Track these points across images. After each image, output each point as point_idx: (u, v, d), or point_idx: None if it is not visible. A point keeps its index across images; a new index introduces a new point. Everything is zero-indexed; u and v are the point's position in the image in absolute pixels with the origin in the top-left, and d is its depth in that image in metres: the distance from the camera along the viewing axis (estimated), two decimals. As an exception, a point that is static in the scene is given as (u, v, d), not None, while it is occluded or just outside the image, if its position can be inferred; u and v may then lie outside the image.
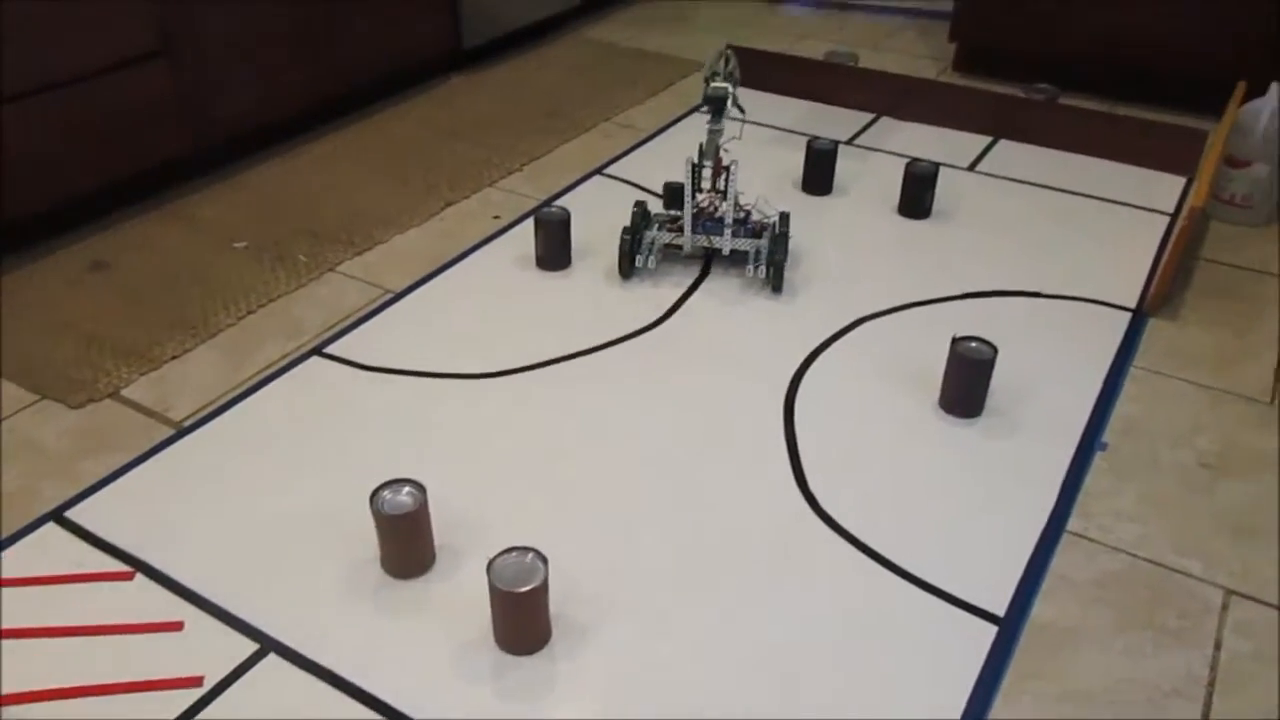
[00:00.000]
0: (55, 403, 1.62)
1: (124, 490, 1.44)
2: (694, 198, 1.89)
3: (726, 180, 1.88)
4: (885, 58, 3.06)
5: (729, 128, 1.89)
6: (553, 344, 1.75)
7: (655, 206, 2.01)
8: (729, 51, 1.92)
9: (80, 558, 1.33)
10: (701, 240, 1.92)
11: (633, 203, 1.97)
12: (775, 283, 1.89)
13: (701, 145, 1.88)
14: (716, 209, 1.91)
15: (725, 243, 1.92)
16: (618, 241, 1.91)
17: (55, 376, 1.67)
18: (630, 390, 1.64)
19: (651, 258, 1.94)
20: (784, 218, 1.96)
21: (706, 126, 1.88)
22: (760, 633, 1.23)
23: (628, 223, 1.94)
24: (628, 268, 1.93)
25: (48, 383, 1.65)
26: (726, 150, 1.89)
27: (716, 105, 1.86)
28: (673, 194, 1.94)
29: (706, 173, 1.91)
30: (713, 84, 1.87)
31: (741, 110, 1.90)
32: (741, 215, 1.93)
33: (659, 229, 1.96)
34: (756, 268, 1.90)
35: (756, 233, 1.94)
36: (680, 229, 1.93)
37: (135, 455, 1.50)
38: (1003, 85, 2.79)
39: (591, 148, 2.48)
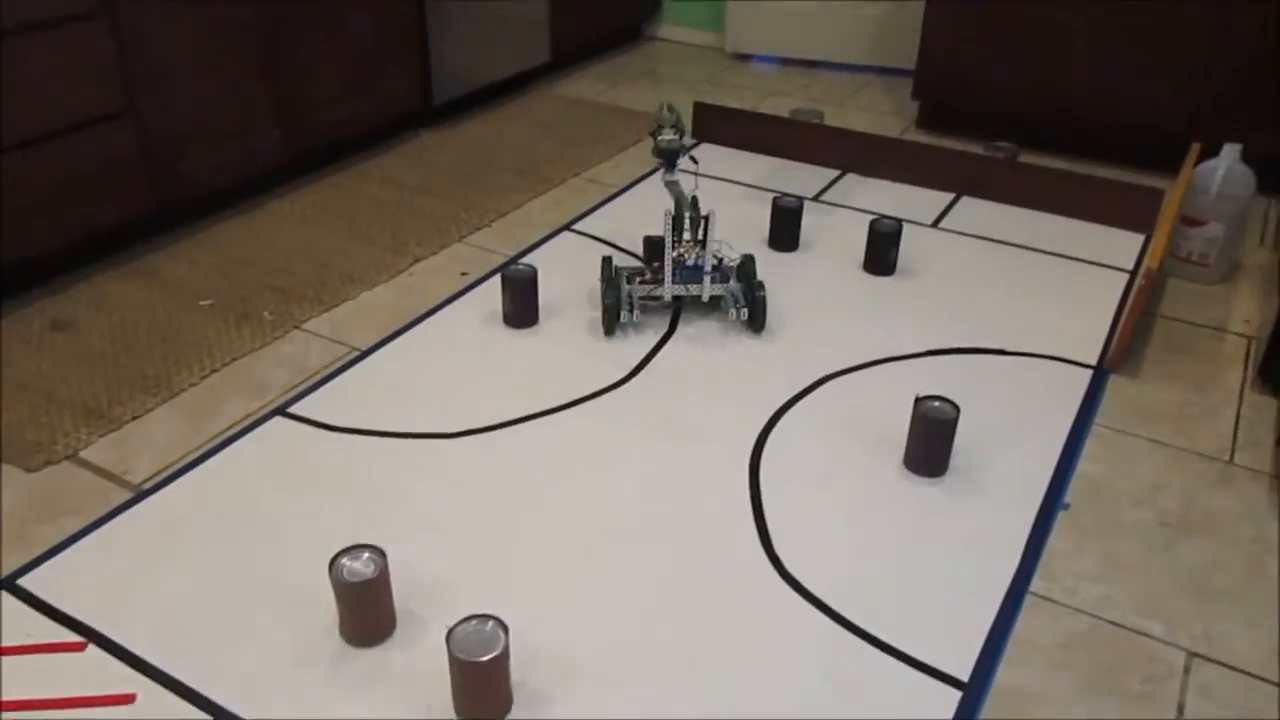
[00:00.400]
0: (11, 466, 1.59)
1: (79, 556, 1.41)
2: (674, 248, 1.92)
3: (705, 229, 1.91)
4: (850, 115, 3.10)
5: (686, 179, 1.94)
6: (518, 403, 1.74)
7: (619, 259, 2.02)
8: (670, 104, 1.97)
9: (32, 627, 1.30)
10: (679, 289, 1.95)
11: (600, 259, 1.98)
12: (760, 322, 1.93)
13: (678, 197, 1.91)
14: (694, 257, 1.94)
15: (705, 289, 1.95)
16: (586, 298, 1.92)
17: (12, 438, 1.64)
18: (596, 451, 1.63)
19: (635, 311, 1.96)
20: (748, 259, 2.00)
21: (663, 179, 1.93)
22: (725, 700, 1.22)
23: (599, 279, 1.96)
24: (613, 324, 1.94)
25: (4, 445, 1.63)
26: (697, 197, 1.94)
27: (669, 158, 1.91)
28: (653, 247, 1.97)
29: (687, 222, 1.94)
30: (662, 137, 1.91)
31: (694, 160, 1.96)
32: (716, 261, 1.96)
33: (633, 281, 1.98)
34: (739, 310, 1.93)
35: (727, 277, 1.99)
36: (654, 279, 1.96)
37: (91, 520, 1.48)
38: (964, 142, 2.84)
39: (560, 203, 2.50)
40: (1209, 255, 2.14)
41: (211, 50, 2.20)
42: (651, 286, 1.97)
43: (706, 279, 1.94)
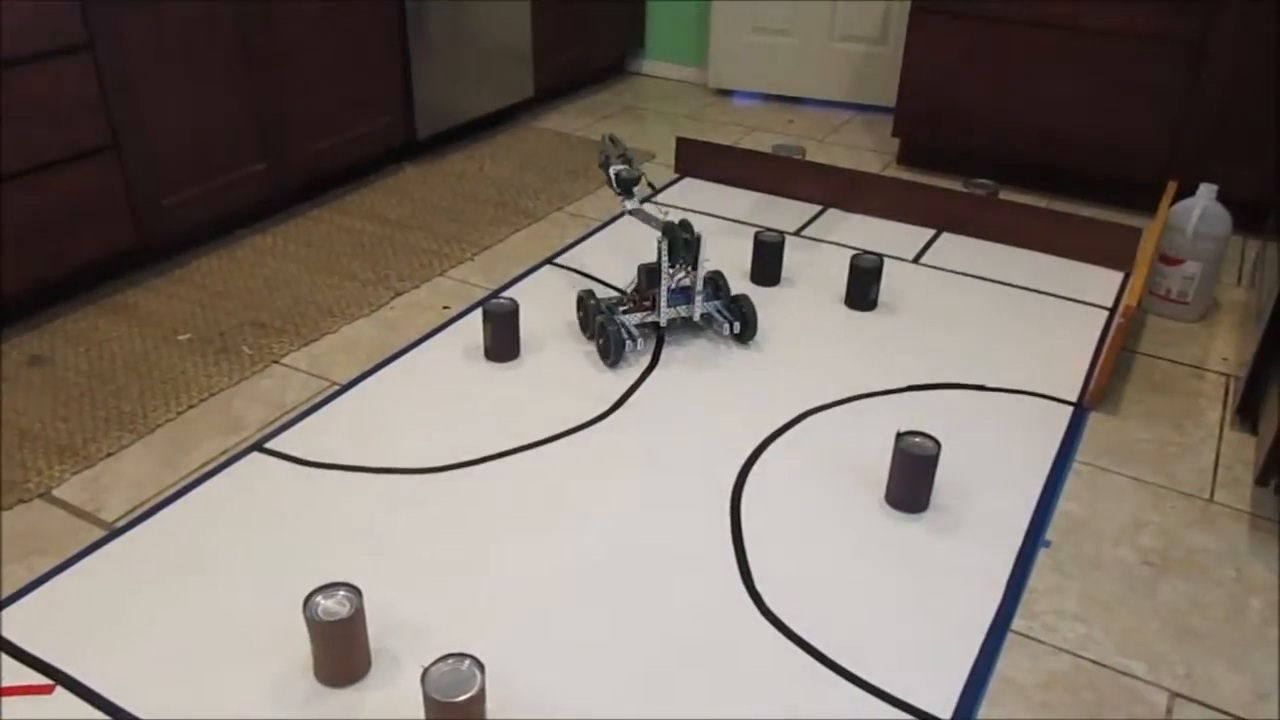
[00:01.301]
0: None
1: (49, 597, 1.39)
2: (669, 272, 1.97)
3: (697, 250, 1.96)
4: (832, 150, 3.13)
5: (651, 206, 2.02)
6: (499, 438, 1.73)
7: (599, 290, 2.03)
8: (612, 135, 2.07)
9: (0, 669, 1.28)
10: (672, 313, 2.01)
11: (580, 293, 2.00)
12: (751, 331, 2.01)
13: (655, 222, 1.95)
14: (688, 279, 2.00)
15: (696, 309, 2.01)
16: (567, 332, 1.92)
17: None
18: (576, 486, 1.62)
19: (639, 340, 1.98)
20: (718, 275, 2.08)
21: (626, 209, 2.02)
22: (704, 742, 1.21)
23: (576, 314, 2.00)
24: (619, 354, 1.94)
25: (-25, 481, 1.61)
26: (665, 213, 2.00)
27: (627, 186, 2.02)
28: (649, 274, 2.04)
29: (682, 245, 1.96)
30: (616, 169, 2.01)
31: (652, 186, 2.09)
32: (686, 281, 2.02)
33: (620, 311, 2.00)
34: (732, 325, 2.00)
35: (711, 296, 2.06)
36: (641, 306, 2.01)
37: (63, 559, 1.45)
38: (945, 179, 2.86)
39: (542, 237, 2.50)
40: (1187, 293, 2.16)
41: (194, 85, 2.20)
42: (645, 313, 2.00)
43: (698, 299, 2.00)
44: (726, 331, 2.00)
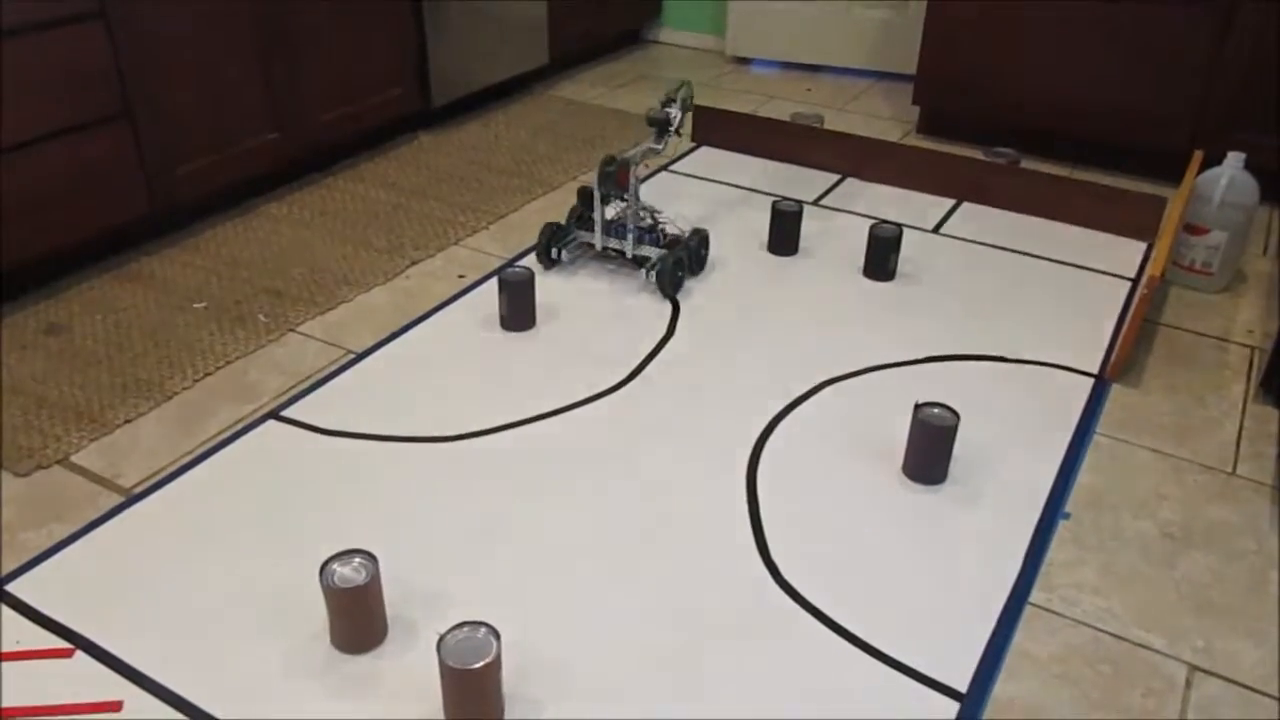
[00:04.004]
0: (1, 470, 1.58)
1: (68, 562, 1.40)
2: (604, 204, 2.10)
3: (634, 190, 2.06)
4: (851, 119, 3.09)
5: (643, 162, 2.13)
6: (515, 407, 1.73)
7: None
8: (688, 83, 2.17)
9: (20, 634, 1.29)
10: (611, 241, 2.14)
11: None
12: (664, 289, 2.06)
13: (605, 157, 2.05)
14: (614, 214, 2.15)
15: (629, 247, 2.12)
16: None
17: (3, 443, 1.62)
18: (592, 456, 1.62)
19: (564, 252, 2.15)
20: (697, 236, 2.13)
21: (648, 145, 2.12)
22: (720, 709, 1.20)
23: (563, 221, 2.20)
24: (543, 255, 2.15)
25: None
26: (646, 166, 2.12)
27: (659, 126, 2.11)
28: (584, 198, 2.18)
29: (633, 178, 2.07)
30: (660, 109, 2.11)
31: (678, 134, 2.15)
32: (647, 225, 2.13)
33: (572, 225, 2.19)
34: (649, 271, 2.07)
35: (665, 245, 2.11)
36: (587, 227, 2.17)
37: (81, 525, 1.46)
38: (965, 148, 2.83)
39: (558, 206, 2.48)
40: (1212, 264, 2.13)
41: (208, 53, 2.19)
42: (588, 235, 2.16)
43: (630, 237, 2.11)
44: (645, 278, 2.09)
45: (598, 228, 2.13)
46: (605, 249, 2.17)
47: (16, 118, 1.86)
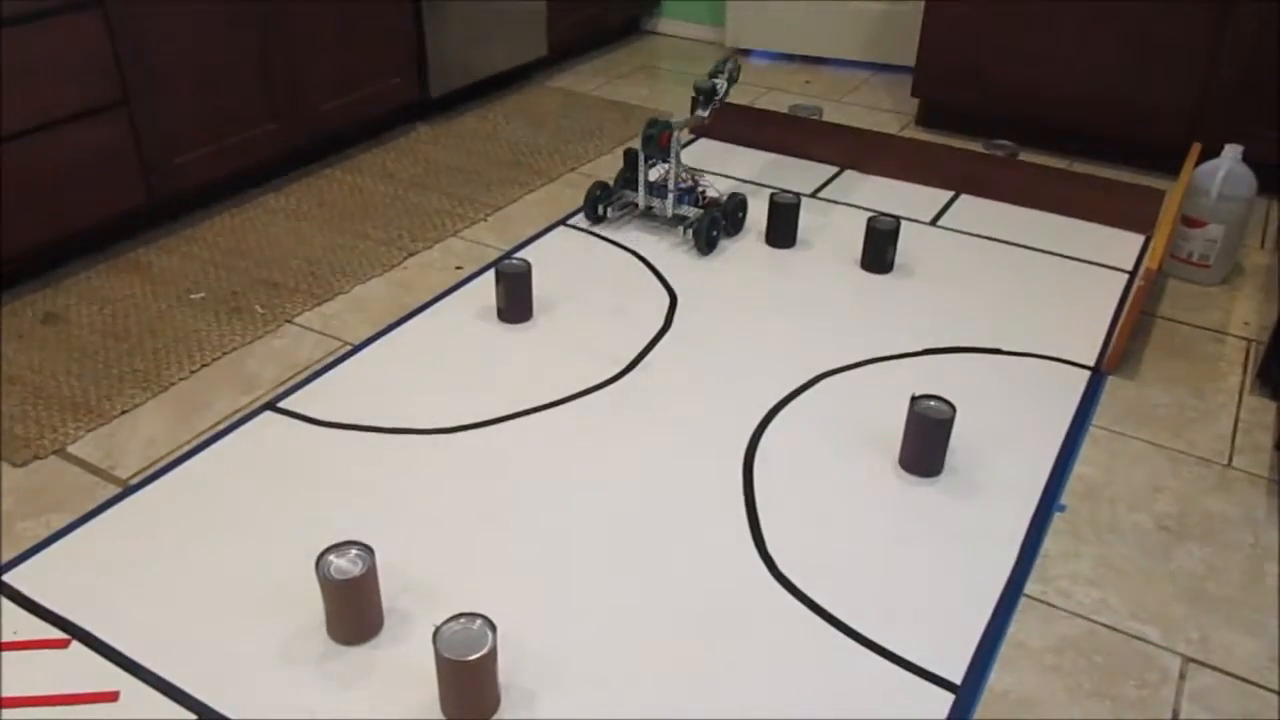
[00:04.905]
0: (-2, 459, 1.58)
1: (64, 553, 1.40)
2: (647, 164, 2.25)
3: (674, 152, 2.21)
4: (849, 111, 3.09)
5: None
6: (511, 399, 1.73)
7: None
8: (735, 56, 2.27)
9: (16, 624, 1.29)
10: (652, 200, 2.28)
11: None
12: (699, 246, 2.18)
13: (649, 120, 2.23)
14: (656, 176, 2.29)
15: (668, 206, 2.26)
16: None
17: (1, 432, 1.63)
18: (588, 448, 1.62)
19: (610, 209, 2.32)
20: (734, 199, 2.26)
21: (696, 114, 2.26)
22: (715, 700, 1.21)
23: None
24: (591, 211, 2.30)
25: (-9, 438, 1.62)
26: (690, 133, 2.28)
27: (705, 95, 2.24)
28: (629, 160, 2.30)
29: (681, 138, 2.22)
30: (707, 79, 2.24)
31: (721, 103, 2.28)
32: (687, 186, 2.26)
33: (618, 188, 2.34)
34: (685, 229, 2.22)
35: (704, 206, 2.24)
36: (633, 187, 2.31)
37: (78, 515, 1.46)
38: (964, 140, 2.82)
39: (556, 198, 2.48)
40: (1209, 257, 2.13)
41: (206, 42, 2.18)
42: (633, 194, 2.31)
43: (670, 196, 2.24)
44: (681, 234, 2.25)
45: (641, 187, 2.26)
46: (648, 208, 2.30)
47: (13, 107, 1.86)
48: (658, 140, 2.21)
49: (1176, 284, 2.17)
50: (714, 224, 2.19)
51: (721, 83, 2.24)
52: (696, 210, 2.23)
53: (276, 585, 1.35)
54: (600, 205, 2.30)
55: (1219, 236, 2.10)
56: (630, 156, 2.31)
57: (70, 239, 2.10)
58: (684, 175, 2.27)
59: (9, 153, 1.88)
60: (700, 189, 2.28)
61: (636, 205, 2.32)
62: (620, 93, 3.19)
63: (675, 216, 2.28)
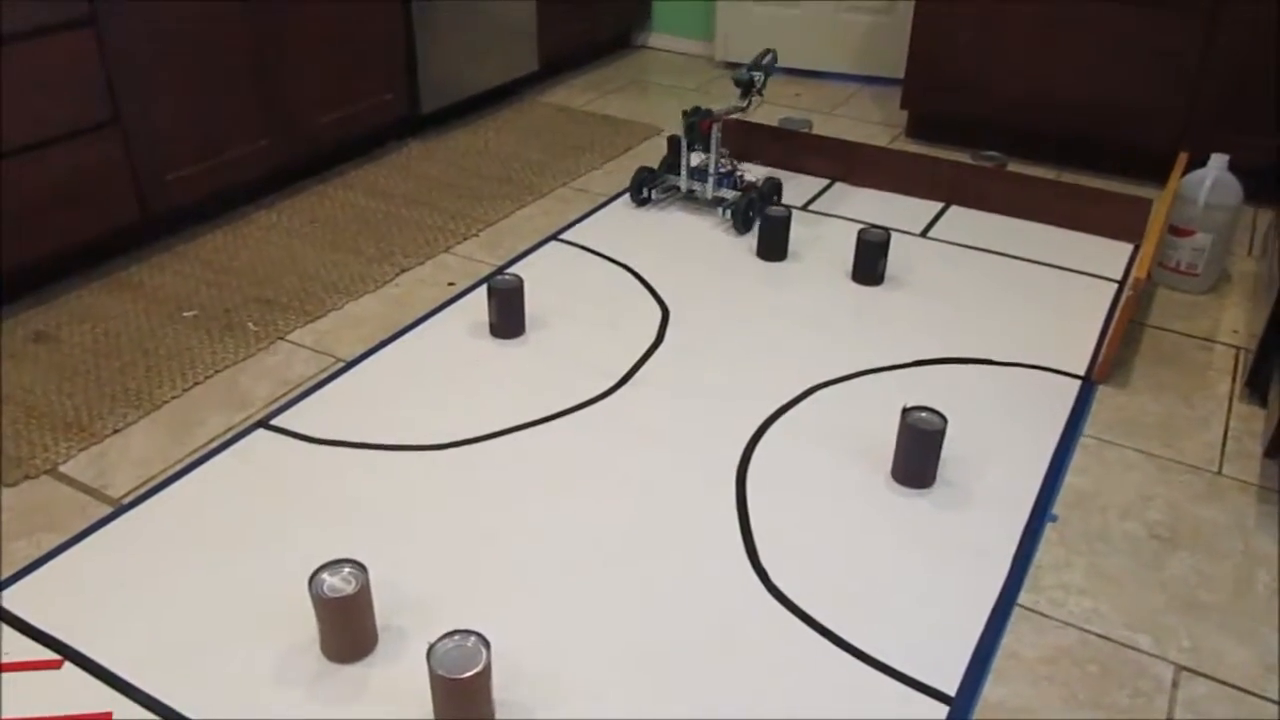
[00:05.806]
0: (-11, 480, 1.58)
1: (56, 573, 1.40)
2: (690, 150, 2.42)
3: (713, 139, 2.37)
4: (839, 124, 3.10)
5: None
6: (503, 415, 1.73)
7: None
8: (773, 51, 2.48)
9: (8, 645, 1.28)
10: (694, 184, 2.45)
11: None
12: (737, 225, 2.35)
13: (691, 109, 2.40)
14: (697, 162, 2.46)
15: (708, 189, 2.43)
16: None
17: (-9, 452, 1.62)
18: (582, 463, 1.62)
19: (653, 191, 2.50)
20: (770, 182, 2.42)
21: (734, 104, 2.46)
22: (710, 714, 1.21)
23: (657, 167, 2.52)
24: (635, 194, 2.48)
25: (-17, 458, 1.61)
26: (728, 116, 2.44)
27: (744, 87, 2.41)
28: (672, 146, 2.48)
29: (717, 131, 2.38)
30: (745, 71, 2.41)
31: (760, 95, 2.47)
32: (726, 170, 2.42)
33: (662, 173, 2.51)
34: (724, 210, 2.39)
35: (742, 189, 2.40)
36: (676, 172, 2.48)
37: (70, 535, 1.46)
38: (953, 152, 2.84)
39: (548, 213, 2.49)
40: (1197, 265, 2.14)
41: (197, 60, 2.19)
42: (675, 178, 2.48)
43: (710, 180, 2.41)
44: (721, 215, 2.41)
45: (683, 171, 2.43)
46: (690, 191, 2.46)
47: (5, 125, 1.86)
48: (699, 128, 2.36)
49: (1165, 293, 2.18)
50: (750, 205, 2.34)
51: (759, 75, 2.41)
52: (735, 193, 2.40)
53: (270, 604, 1.35)
54: (645, 188, 2.47)
55: (1206, 245, 2.11)
56: (673, 143, 2.47)
57: (62, 257, 2.10)
58: (723, 160, 2.42)
59: (1, 170, 1.88)
60: (739, 173, 2.45)
61: (679, 189, 2.48)
62: (611, 107, 3.20)
63: (715, 199, 2.43)
